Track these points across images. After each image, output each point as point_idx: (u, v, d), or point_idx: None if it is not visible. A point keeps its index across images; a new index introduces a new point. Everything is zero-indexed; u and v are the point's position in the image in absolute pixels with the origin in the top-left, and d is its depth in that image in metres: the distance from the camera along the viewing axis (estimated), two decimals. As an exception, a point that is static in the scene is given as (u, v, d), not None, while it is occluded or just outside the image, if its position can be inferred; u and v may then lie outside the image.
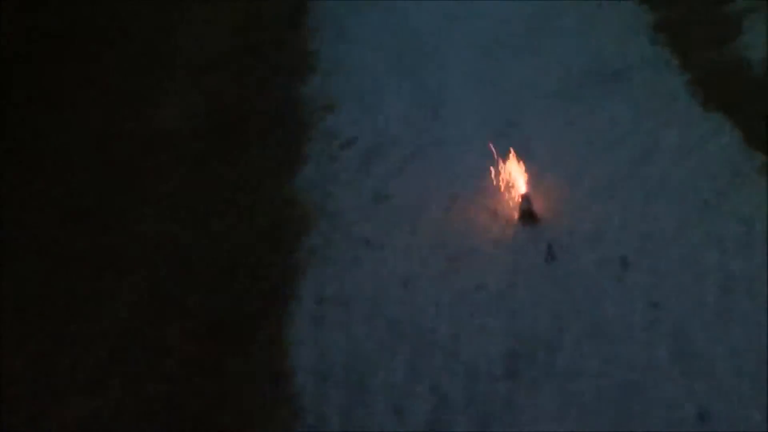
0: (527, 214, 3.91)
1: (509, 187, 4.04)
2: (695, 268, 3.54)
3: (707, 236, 3.69)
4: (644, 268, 3.60)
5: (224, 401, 3.30)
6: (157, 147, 4.85)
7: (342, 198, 4.41)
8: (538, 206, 3.96)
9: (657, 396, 3.05)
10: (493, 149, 4.06)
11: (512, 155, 4.03)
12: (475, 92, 4.60)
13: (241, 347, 3.52)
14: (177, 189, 4.48)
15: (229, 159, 4.67)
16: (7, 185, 4.70)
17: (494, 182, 4.10)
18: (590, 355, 3.26)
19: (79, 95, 5.59)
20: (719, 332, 3.23)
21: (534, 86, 4.95)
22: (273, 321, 3.66)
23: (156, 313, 3.75)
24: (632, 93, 4.77)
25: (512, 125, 4.57)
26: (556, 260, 3.69)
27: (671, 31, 5.36)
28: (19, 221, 4.44)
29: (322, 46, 5.89)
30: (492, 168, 4.12)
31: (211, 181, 4.53)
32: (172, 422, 3.23)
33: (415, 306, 3.65)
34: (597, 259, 3.68)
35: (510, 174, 4.04)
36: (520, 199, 3.94)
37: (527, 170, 4.03)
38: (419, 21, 5.97)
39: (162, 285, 3.90)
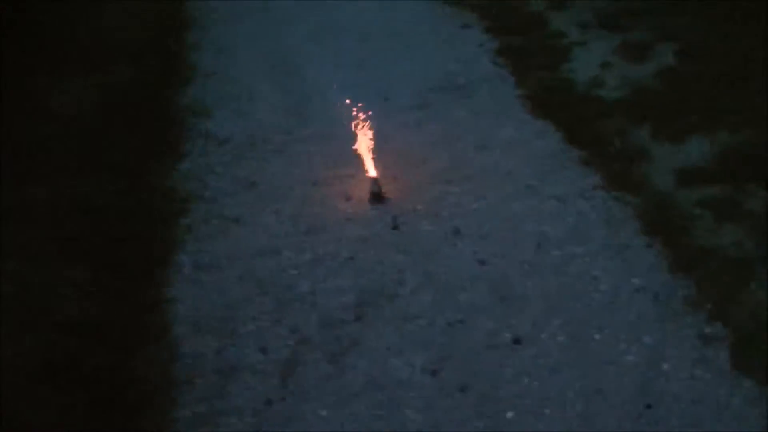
0: (376, 195, 4.50)
1: (362, 174, 4.62)
2: (516, 234, 4.21)
3: (528, 210, 4.38)
4: (474, 236, 4.24)
5: (110, 347, 3.68)
6: (49, 129, 5.14)
7: (215, 186, 4.90)
8: (387, 190, 4.56)
9: (479, 328, 3.64)
10: (356, 144, 4.64)
11: (365, 148, 4.63)
12: (337, 99, 5.18)
13: (125, 304, 3.91)
14: (66, 166, 4.80)
15: (113, 146, 5.05)
16: None
17: (349, 171, 4.67)
18: (425, 302, 3.83)
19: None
20: (533, 280, 3.88)
21: (390, 97, 5.60)
22: (154, 284, 4.07)
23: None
24: (473, 103, 5.51)
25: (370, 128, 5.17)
26: (398, 230, 4.27)
27: (510, 55, 6.15)
28: None
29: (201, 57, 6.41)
30: (348, 161, 4.69)
31: (96, 162, 4.89)
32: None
33: (278, 269, 4.15)
34: (434, 230, 4.30)
35: (363, 164, 4.63)
36: (370, 183, 4.52)
37: (379, 163, 4.63)
38: (289, 38, 6.59)
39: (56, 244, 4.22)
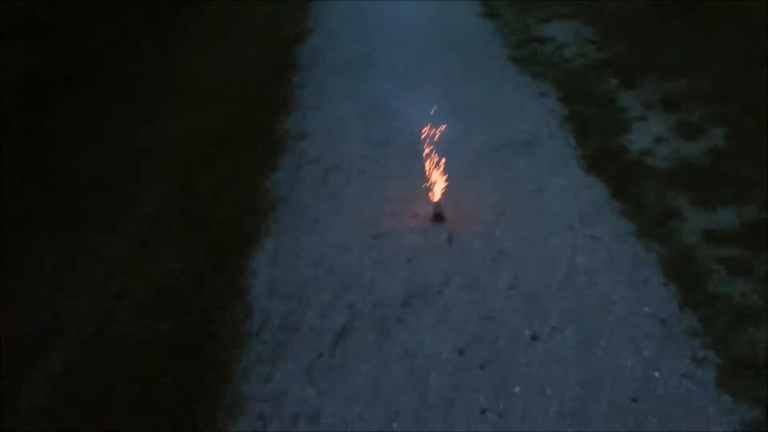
0: (437, 215, 5.28)
1: (428, 199, 5.41)
2: (551, 260, 4.89)
3: (566, 243, 5.06)
4: (515, 257, 4.94)
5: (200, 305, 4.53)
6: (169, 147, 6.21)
7: (302, 194, 5.75)
8: (447, 213, 5.32)
9: (505, 325, 4.33)
10: (427, 169, 5.43)
11: (434, 178, 5.43)
12: (417, 141, 6.00)
13: (215, 270, 4.78)
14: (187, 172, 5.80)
15: (227, 156, 6.02)
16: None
17: (417, 197, 5.47)
18: (463, 300, 4.54)
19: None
20: (558, 296, 4.55)
21: (465, 142, 6.39)
22: (242, 259, 4.92)
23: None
24: (536, 156, 6.23)
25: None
26: (451, 245, 5.02)
27: (576, 122, 6.89)
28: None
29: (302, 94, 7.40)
30: (418, 190, 5.50)
31: (213, 164, 5.86)
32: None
33: (346, 261, 4.94)
34: (482, 248, 5.02)
35: (431, 189, 5.42)
36: (433, 205, 5.31)
37: (445, 192, 5.39)
38: (381, 88, 7.51)
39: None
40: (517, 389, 3.88)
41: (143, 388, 3.99)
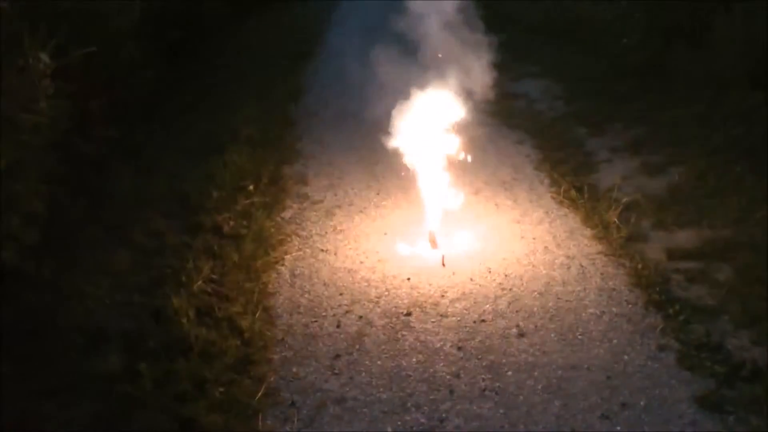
0: (432, 242, 6.05)
1: (424, 230, 6.19)
2: (532, 275, 5.66)
3: (544, 261, 5.85)
4: (501, 273, 5.70)
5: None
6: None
7: (310, 229, 6.51)
8: (441, 241, 6.09)
9: (496, 325, 5.06)
10: (426, 206, 6.22)
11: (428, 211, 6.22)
12: (412, 181, 6.79)
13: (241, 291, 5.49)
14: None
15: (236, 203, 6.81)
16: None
17: (414, 229, 6.26)
18: (459, 308, 5.27)
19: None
20: (540, 302, 5.30)
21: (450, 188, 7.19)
22: (260, 283, 5.64)
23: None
24: (515, 194, 7.07)
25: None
26: (445, 266, 5.79)
27: (550, 165, 7.76)
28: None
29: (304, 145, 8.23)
30: (415, 222, 6.29)
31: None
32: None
33: (354, 281, 5.65)
34: (472, 268, 5.78)
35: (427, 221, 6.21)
36: (429, 234, 6.09)
37: (438, 223, 6.19)
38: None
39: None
40: (509, 372, 4.59)
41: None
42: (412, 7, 6.10)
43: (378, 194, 7.18)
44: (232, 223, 6.37)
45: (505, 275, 5.65)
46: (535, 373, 4.57)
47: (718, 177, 6.93)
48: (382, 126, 6.15)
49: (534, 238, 6.20)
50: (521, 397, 4.38)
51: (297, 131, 9.08)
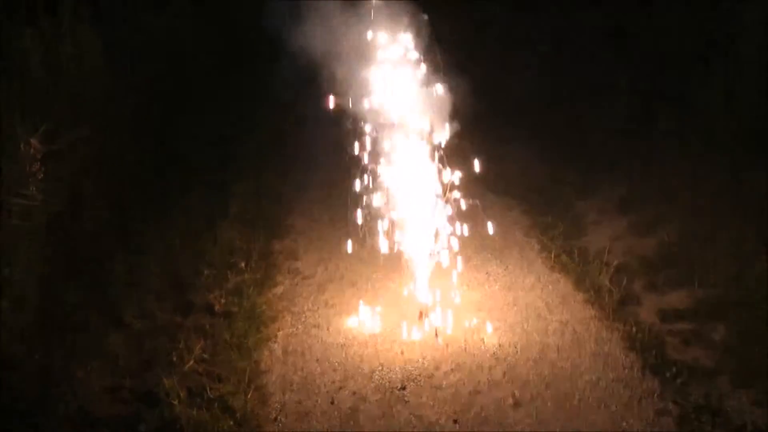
0: (423, 314, 6.02)
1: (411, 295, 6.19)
2: (526, 342, 5.64)
3: (537, 328, 5.84)
4: (494, 342, 5.68)
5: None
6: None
7: (301, 305, 6.48)
8: (433, 311, 6.08)
9: (490, 396, 5.03)
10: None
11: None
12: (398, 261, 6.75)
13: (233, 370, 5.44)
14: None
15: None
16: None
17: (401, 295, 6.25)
18: (452, 380, 5.24)
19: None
20: (534, 368, 5.27)
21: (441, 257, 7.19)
22: (252, 362, 5.60)
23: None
24: (507, 260, 7.08)
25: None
26: (438, 338, 5.76)
27: (539, 230, 7.78)
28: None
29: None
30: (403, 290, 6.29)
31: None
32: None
33: (347, 357, 5.63)
34: (465, 338, 5.76)
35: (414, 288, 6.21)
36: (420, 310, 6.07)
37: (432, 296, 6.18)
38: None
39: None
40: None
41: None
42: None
43: (369, 269, 7.08)
44: (223, 300, 6.27)
45: (499, 344, 5.62)
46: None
47: (706, 236, 6.93)
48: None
49: (526, 305, 6.19)
50: (518, 471, 4.30)
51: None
